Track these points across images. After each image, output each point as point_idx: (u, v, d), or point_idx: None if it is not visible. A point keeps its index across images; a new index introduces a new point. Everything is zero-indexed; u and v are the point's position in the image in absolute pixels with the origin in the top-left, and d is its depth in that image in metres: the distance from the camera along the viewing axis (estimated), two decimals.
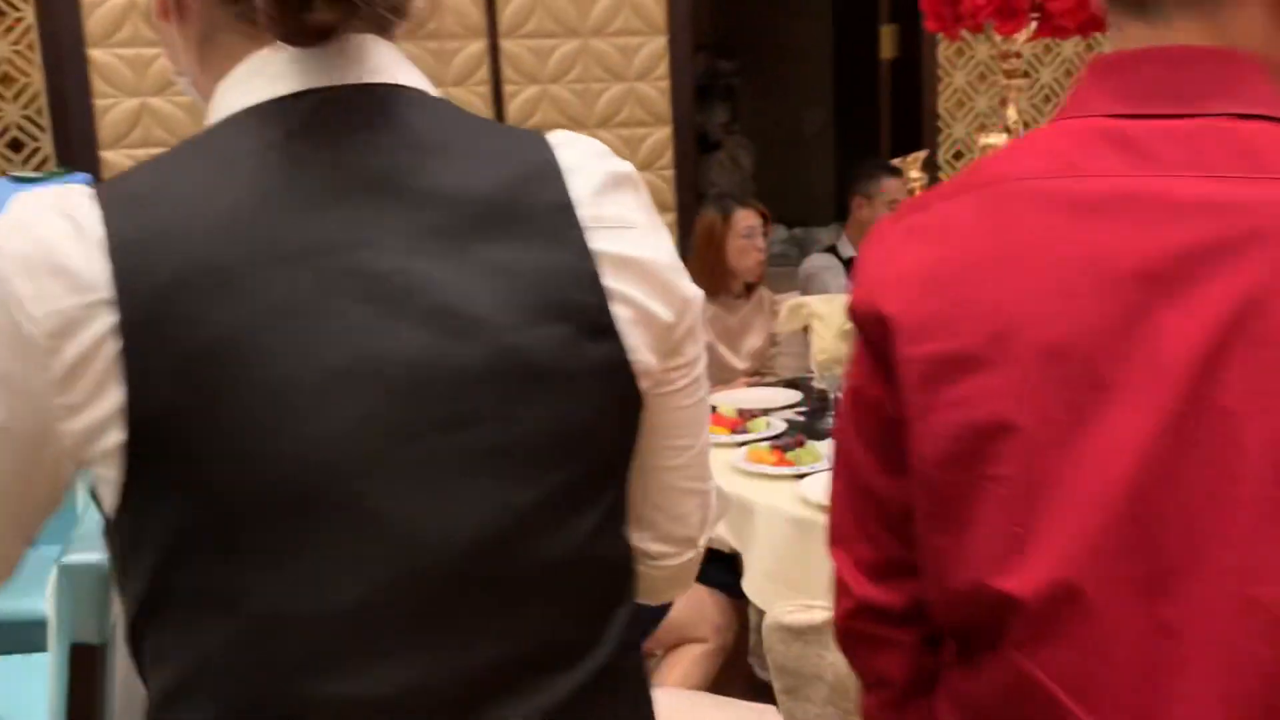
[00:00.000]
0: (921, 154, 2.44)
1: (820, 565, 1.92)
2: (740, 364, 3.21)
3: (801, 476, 2.06)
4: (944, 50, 4.16)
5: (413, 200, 0.71)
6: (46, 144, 3.22)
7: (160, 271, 0.64)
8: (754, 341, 3.25)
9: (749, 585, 2.03)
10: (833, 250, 3.49)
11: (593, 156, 0.78)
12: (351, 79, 0.73)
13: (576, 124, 3.67)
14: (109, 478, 0.67)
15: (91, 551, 1.09)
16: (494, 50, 3.55)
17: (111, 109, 3.24)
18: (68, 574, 1.09)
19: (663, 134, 3.77)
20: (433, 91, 0.77)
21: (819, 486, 2.00)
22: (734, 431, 2.37)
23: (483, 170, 0.74)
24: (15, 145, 3.21)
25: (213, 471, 0.66)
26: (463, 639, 0.72)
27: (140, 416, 0.64)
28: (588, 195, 0.76)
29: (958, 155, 4.21)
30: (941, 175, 4.18)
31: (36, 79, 3.20)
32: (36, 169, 3.20)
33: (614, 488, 0.80)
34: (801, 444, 2.18)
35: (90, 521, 1.19)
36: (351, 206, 0.69)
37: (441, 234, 0.71)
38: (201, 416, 0.64)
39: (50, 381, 0.64)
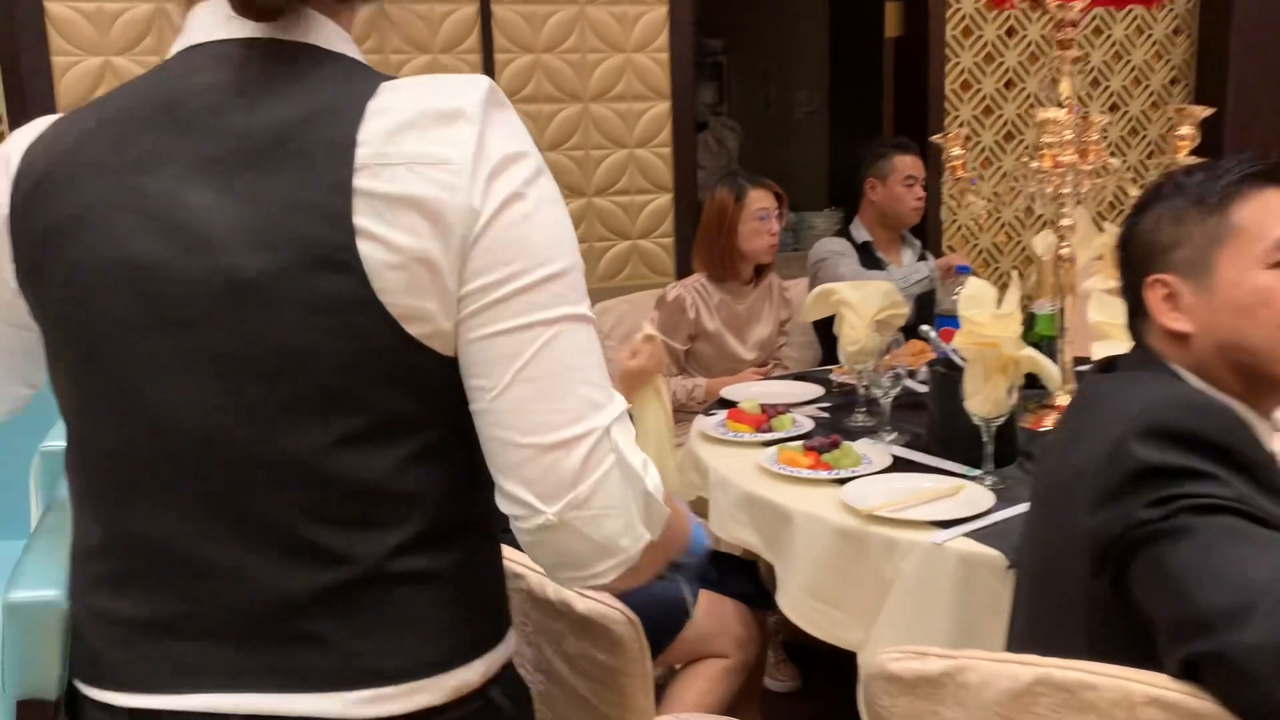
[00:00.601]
0: (963, 131, 2.26)
1: (870, 581, 1.74)
2: (748, 354, 3.02)
3: (842, 481, 1.87)
4: (951, 29, 3.99)
5: (206, 134, 0.82)
6: None
7: (27, 178, 0.87)
8: (762, 330, 3.05)
9: (785, 601, 1.84)
10: (845, 235, 3.30)
11: (417, 98, 0.80)
12: (256, 34, 0.84)
13: (571, 96, 3.46)
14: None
15: (48, 588, 0.87)
16: (485, 15, 3.33)
17: (72, 68, 2.99)
18: (18, 615, 0.87)
19: (661, 109, 3.57)
20: (342, 51, 0.86)
21: (865, 493, 1.81)
22: (758, 429, 2.18)
23: (284, 109, 0.81)
24: None
25: (45, 321, 0.88)
26: (205, 505, 0.83)
27: (17, 276, 0.89)
28: (379, 135, 0.79)
29: (965, 138, 4.03)
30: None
31: None
32: None
33: (367, 416, 0.81)
34: (837, 445, 1.99)
35: (44, 551, 0.97)
36: (156, 137, 0.83)
37: (217, 164, 0.81)
38: (40, 279, 0.87)
39: None
